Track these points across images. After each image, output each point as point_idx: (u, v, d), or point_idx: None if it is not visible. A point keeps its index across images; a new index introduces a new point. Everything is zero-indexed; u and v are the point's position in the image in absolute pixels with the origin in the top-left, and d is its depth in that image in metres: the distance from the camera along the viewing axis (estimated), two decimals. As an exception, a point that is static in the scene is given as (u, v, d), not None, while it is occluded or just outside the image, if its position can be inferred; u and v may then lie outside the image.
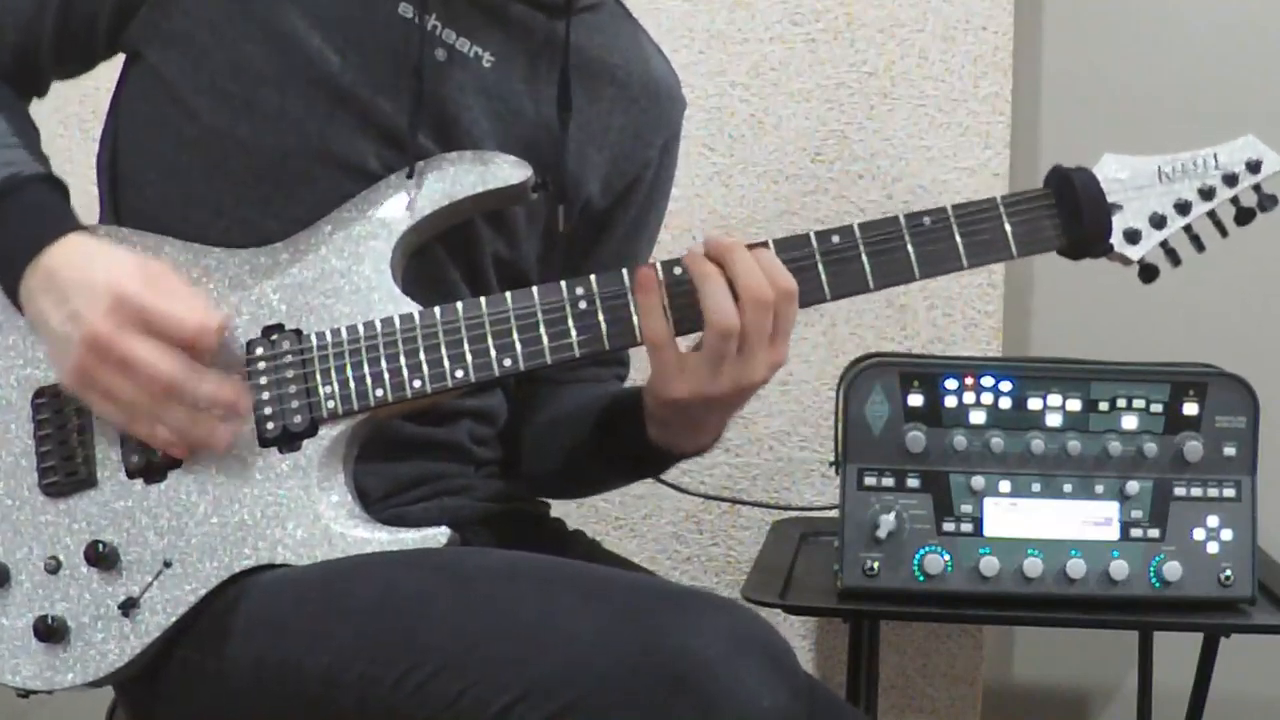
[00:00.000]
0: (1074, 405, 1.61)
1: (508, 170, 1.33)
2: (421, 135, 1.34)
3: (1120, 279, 2.29)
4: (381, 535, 1.26)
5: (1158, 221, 1.36)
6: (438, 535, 1.26)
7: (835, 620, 2.09)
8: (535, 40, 1.40)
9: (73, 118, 2.14)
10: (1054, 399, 1.61)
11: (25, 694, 1.29)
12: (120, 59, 1.40)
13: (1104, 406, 1.61)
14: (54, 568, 1.28)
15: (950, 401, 1.61)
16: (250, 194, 1.33)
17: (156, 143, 1.36)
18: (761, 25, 2.15)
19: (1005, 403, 1.61)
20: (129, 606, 1.26)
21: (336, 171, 1.33)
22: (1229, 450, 1.60)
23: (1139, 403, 1.60)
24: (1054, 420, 1.61)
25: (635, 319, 1.28)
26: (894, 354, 2.02)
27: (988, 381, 1.61)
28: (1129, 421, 1.61)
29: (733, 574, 2.19)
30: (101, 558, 1.26)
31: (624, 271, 1.29)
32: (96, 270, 1.23)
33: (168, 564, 1.27)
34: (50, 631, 1.26)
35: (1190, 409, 1.61)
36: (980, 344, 2.15)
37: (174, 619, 1.26)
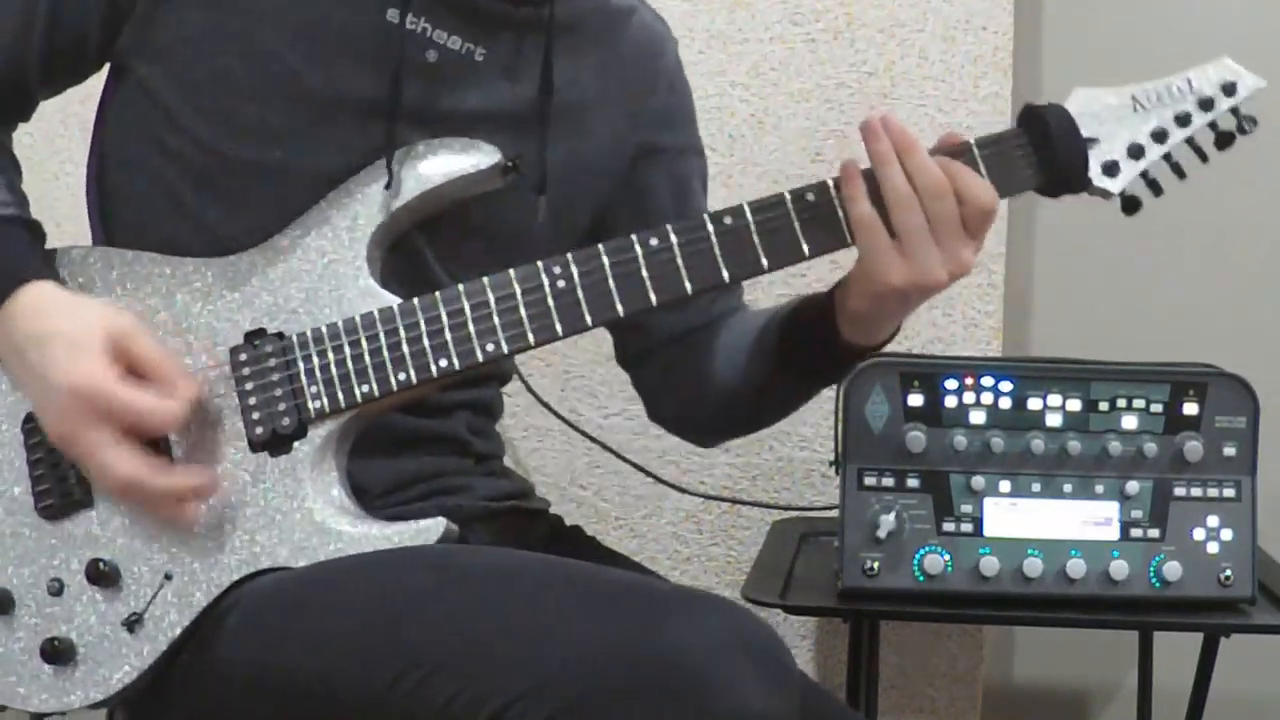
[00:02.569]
0: (1074, 405, 1.61)
1: (475, 156, 1.32)
2: (419, 137, 1.34)
3: (1120, 279, 2.29)
4: (377, 530, 1.26)
5: (1135, 151, 1.33)
6: (434, 526, 1.26)
7: (835, 620, 2.09)
8: (524, 26, 1.40)
9: (73, 117, 2.14)
10: (1054, 399, 1.61)
11: (38, 718, 1.30)
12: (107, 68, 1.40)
13: (1104, 406, 1.61)
14: (57, 589, 1.28)
15: (950, 401, 1.61)
16: (237, 208, 1.32)
17: (144, 155, 1.35)
18: (761, 25, 2.15)
19: (1005, 403, 1.61)
20: (133, 622, 1.26)
21: (322, 185, 1.32)
22: (1229, 450, 1.60)
23: (1139, 403, 1.61)
24: (1054, 420, 1.61)
25: (615, 294, 1.28)
26: (894, 354, 2.01)
27: (988, 381, 1.61)
28: (1129, 421, 1.61)
29: (733, 574, 2.19)
30: (103, 576, 1.26)
31: (600, 247, 1.29)
32: (53, 363, 1.22)
33: (168, 577, 1.26)
34: (57, 653, 1.26)
35: (1190, 409, 1.61)
36: (980, 344, 2.15)
37: (179, 631, 1.26)
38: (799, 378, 1.44)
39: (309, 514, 1.26)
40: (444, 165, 1.32)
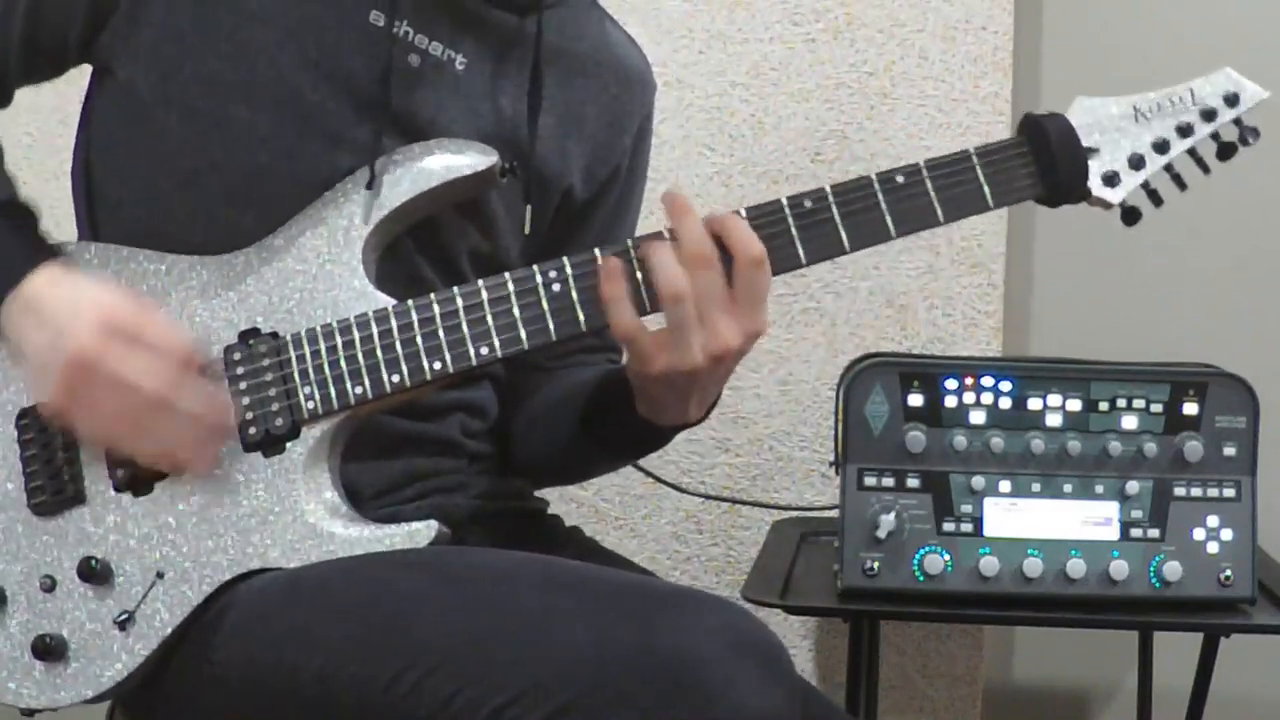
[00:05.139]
0: (1074, 405, 1.61)
1: (473, 157, 1.32)
2: (400, 142, 1.33)
3: (1120, 279, 2.29)
4: (369, 532, 1.26)
5: (1136, 162, 1.32)
6: (425, 529, 1.26)
7: (835, 620, 2.09)
8: (507, 39, 1.40)
9: (72, 117, 2.12)
10: (1054, 399, 1.61)
11: (30, 714, 1.30)
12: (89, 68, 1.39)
13: (1104, 406, 1.61)
14: (49, 586, 1.28)
15: (950, 401, 1.61)
16: (223, 211, 1.32)
17: (130, 158, 1.35)
18: (761, 25, 2.15)
19: (1005, 403, 1.61)
20: (125, 620, 1.26)
21: (308, 188, 1.32)
22: (1229, 450, 1.60)
23: (1139, 403, 1.60)
24: (1054, 420, 1.61)
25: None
26: (894, 354, 2.01)
27: (988, 381, 1.61)
28: (1129, 421, 1.61)
29: (733, 574, 2.19)
30: (95, 574, 1.26)
31: (596, 251, 1.28)
32: (83, 293, 1.23)
33: (160, 575, 1.27)
34: (49, 650, 1.26)
35: (1190, 409, 1.61)
36: (980, 344, 2.15)
37: (170, 630, 1.26)
38: (600, 445, 1.44)
39: (301, 515, 1.26)
40: (441, 165, 1.32)
